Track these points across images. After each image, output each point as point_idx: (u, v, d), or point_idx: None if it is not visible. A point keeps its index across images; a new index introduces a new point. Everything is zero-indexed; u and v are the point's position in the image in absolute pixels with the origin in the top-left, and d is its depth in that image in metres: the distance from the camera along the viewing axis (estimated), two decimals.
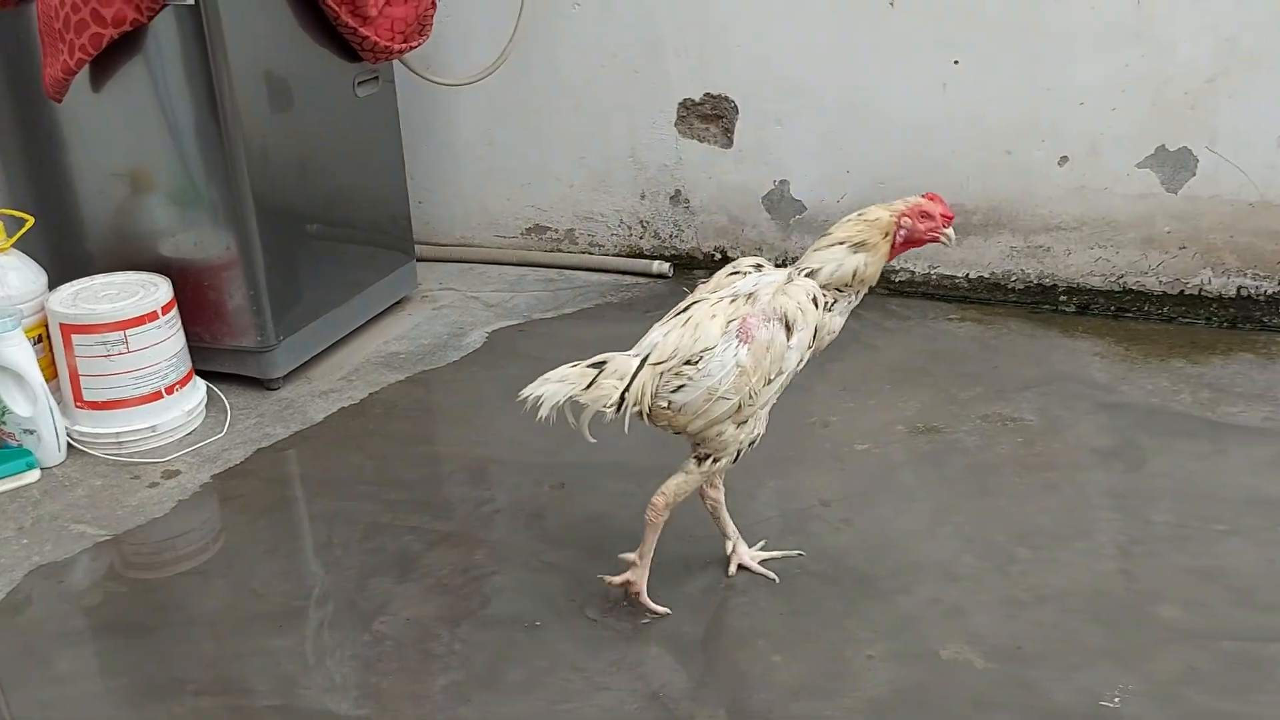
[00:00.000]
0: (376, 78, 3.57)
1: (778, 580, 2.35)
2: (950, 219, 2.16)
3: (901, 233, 2.16)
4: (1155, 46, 3.29)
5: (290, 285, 3.29)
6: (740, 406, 2.12)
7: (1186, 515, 2.51)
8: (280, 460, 2.97)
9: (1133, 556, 2.38)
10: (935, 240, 2.16)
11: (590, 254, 4.27)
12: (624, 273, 4.17)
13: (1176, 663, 2.07)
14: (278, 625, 2.31)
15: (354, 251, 3.61)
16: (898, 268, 3.86)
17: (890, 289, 3.88)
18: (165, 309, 3.03)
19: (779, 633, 2.20)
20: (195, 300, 3.20)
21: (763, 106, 3.82)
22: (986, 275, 3.76)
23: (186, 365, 3.14)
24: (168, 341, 3.04)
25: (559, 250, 4.32)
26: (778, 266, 2.30)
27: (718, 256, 4.10)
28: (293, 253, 3.30)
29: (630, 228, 4.19)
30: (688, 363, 2.10)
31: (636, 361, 2.14)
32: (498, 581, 2.42)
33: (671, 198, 4.07)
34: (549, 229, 4.31)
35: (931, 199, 2.16)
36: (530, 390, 2.08)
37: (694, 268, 4.15)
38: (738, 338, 2.10)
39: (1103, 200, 3.51)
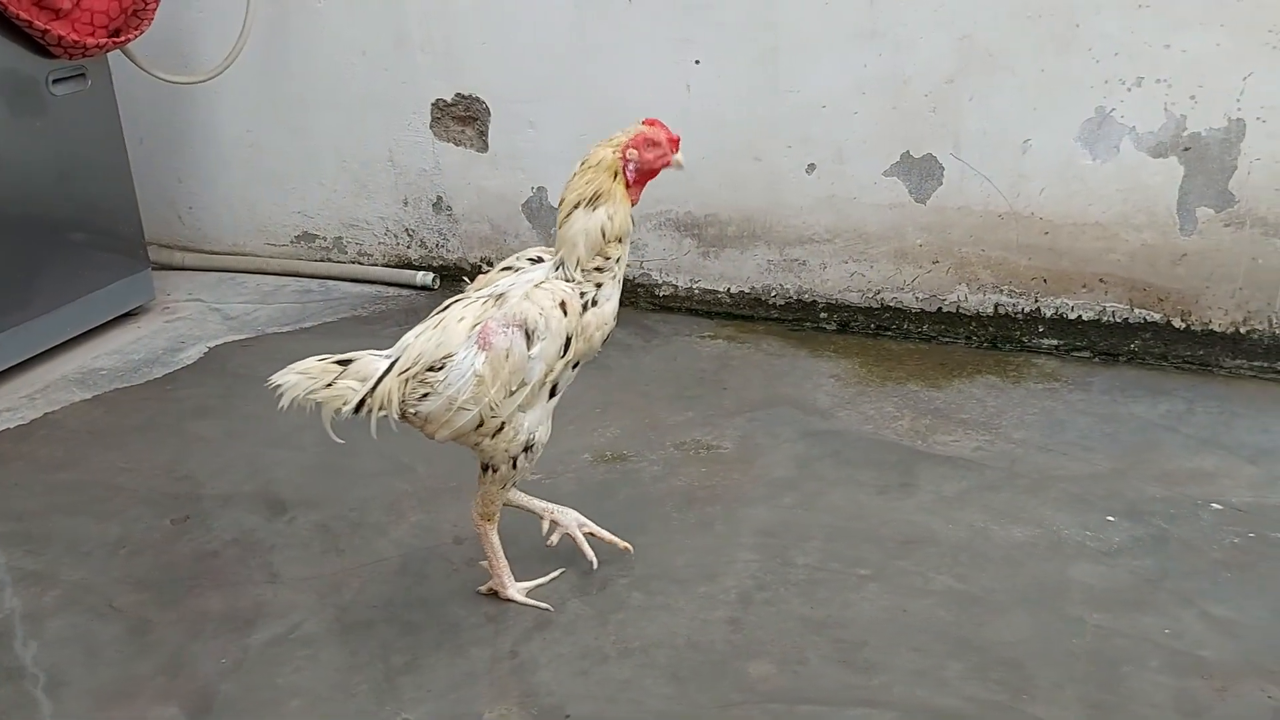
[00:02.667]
0: (83, 74, 3.35)
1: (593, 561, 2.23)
2: (677, 142, 1.97)
3: (630, 167, 1.95)
4: (892, 45, 3.07)
5: None
6: (482, 420, 1.94)
7: (831, 557, 2.28)
8: None
9: (751, 604, 2.15)
10: (667, 166, 1.97)
11: (359, 263, 4.05)
12: (388, 284, 3.95)
13: None
14: None
15: (59, 260, 3.37)
16: (661, 281, 3.64)
17: (655, 303, 3.66)
18: None
19: (320, 691, 1.97)
20: None
21: (514, 108, 3.60)
22: (747, 290, 3.53)
23: None
24: None
25: (328, 259, 4.09)
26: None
27: (484, 268, 3.86)
28: None
29: (397, 236, 3.96)
30: (431, 369, 1.93)
31: (385, 364, 1.98)
32: (50, 628, 2.18)
33: (434, 204, 3.85)
34: (317, 236, 4.08)
35: (652, 124, 1.97)
36: (276, 378, 1.96)
37: (461, 278, 3.90)
38: (477, 344, 1.91)
39: (853, 210, 3.28)
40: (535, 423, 2.01)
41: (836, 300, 3.42)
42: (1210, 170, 2.86)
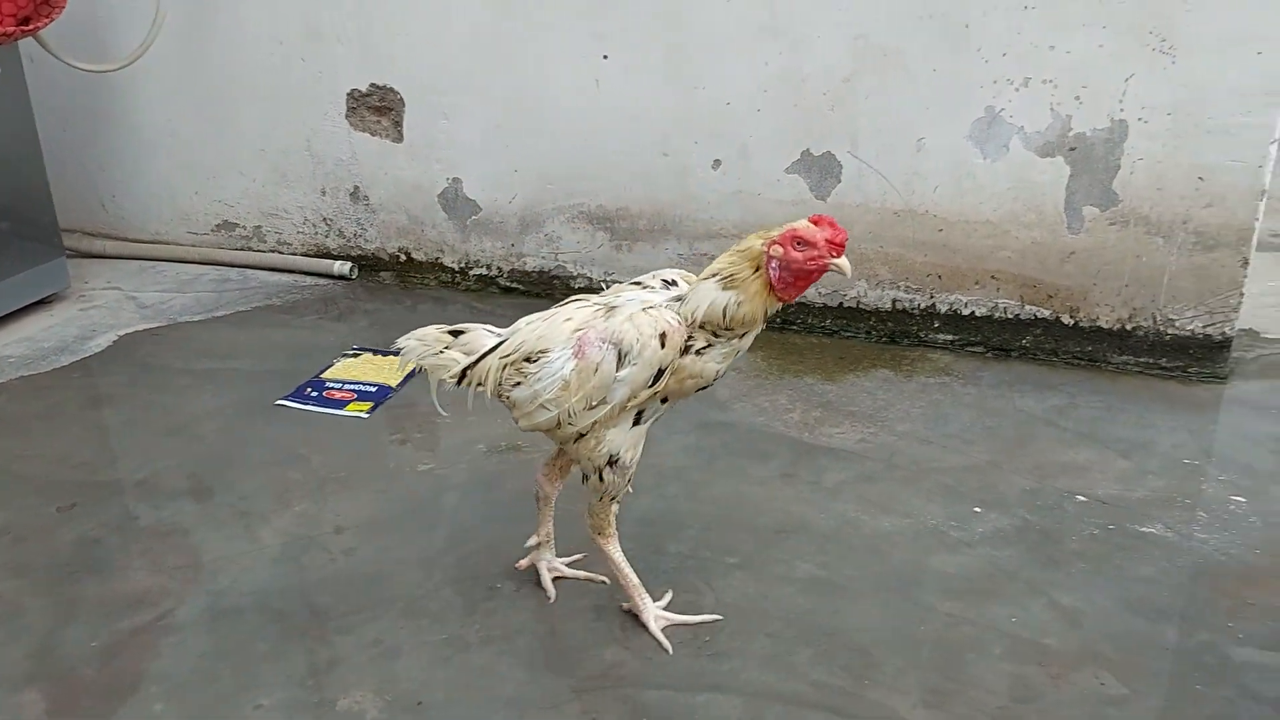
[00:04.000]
0: None
1: (551, 597, 2.20)
2: (839, 246, 1.78)
3: (774, 265, 1.79)
4: (792, 43, 3.11)
5: None
6: (560, 423, 1.94)
7: (704, 545, 2.34)
8: None
9: (617, 592, 2.19)
10: (822, 270, 1.79)
11: (279, 252, 4.06)
12: (306, 273, 3.97)
13: (575, 715, 1.89)
14: None
15: None
16: (575, 273, 3.67)
17: (570, 295, 3.68)
18: None
19: (181, 677, 2.00)
20: None
21: (429, 100, 3.62)
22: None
23: None
24: None
25: (248, 248, 4.10)
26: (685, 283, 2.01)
27: (402, 258, 3.90)
28: None
29: (315, 225, 3.98)
30: (528, 359, 1.94)
31: (492, 341, 2.02)
32: None
33: (351, 194, 3.86)
34: (237, 225, 4.09)
35: (816, 222, 1.79)
36: (400, 341, 2.08)
37: (379, 269, 3.94)
38: (573, 350, 1.90)
39: (759, 206, 3.33)
40: (620, 442, 1.96)
41: None
42: (1095, 170, 2.93)
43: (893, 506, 2.48)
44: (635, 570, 2.10)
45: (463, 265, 3.81)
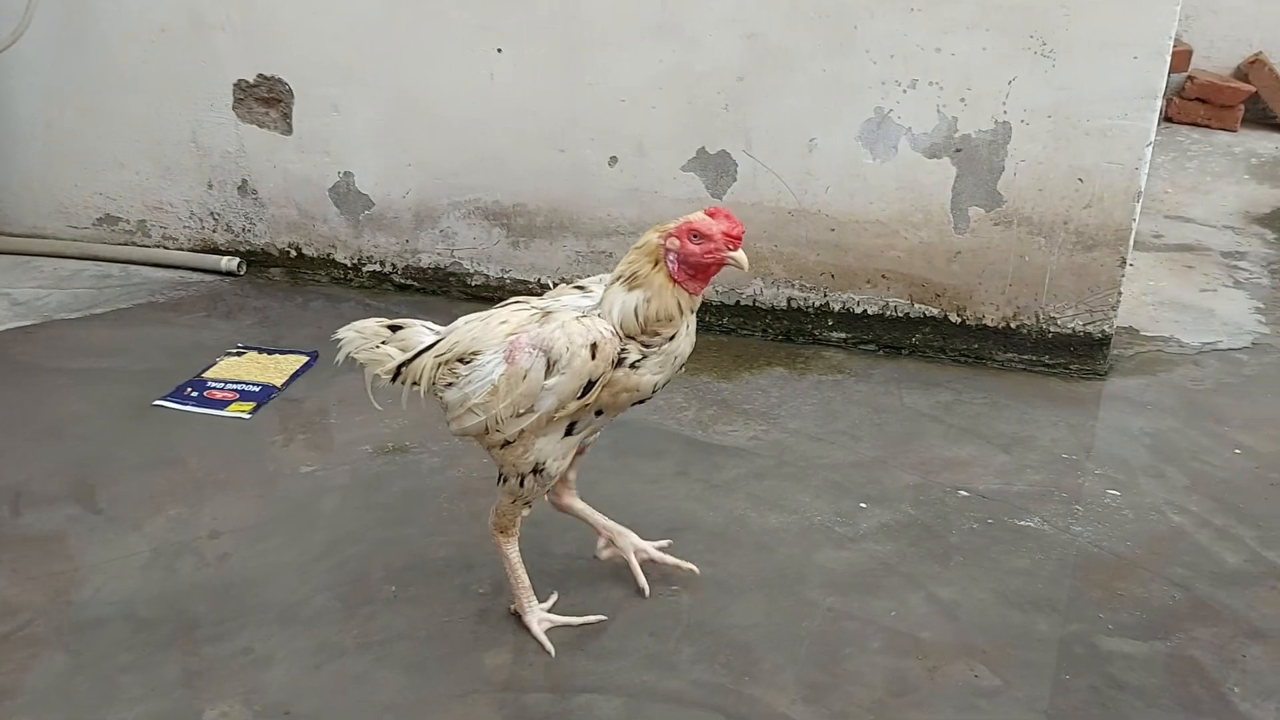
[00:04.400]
0: None
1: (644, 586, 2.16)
2: (736, 239, 1.76)
3: (671, 258, 1.77)
4: (685, 41, 3.11)
5: None
6: (488, 429, 1.87)
7: (590, 545, 2.29)
8: None
9: (502, 594, 2.15)
10: (720, 264, 1.77)
11: (164, 248, 3.92)
12: (192, 269, 3.83)
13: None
14: None
15: None
16: (472, 270, 3.62)
17: (467, 293, 3.64)
18: None
19: (36, 692, 1.91)
20: None
21: (318, 91, 3.53)
22: (556, 281, 3.54)
23: None
24: None
25: (132, 243, 3.95)
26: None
27: (293, 254, 3.79)
28: None
29: (202, 220, 3.84)
30: (461, 360, 1.89)
31: (429, 338, 1.96)
32: None
33: (239, 188, 3.75)
34: (120, 220, 3.93)
35: (712, 214, 1.78)
36: (340, 332, 2.07)
37: (269, 265, 3.83)
38: (504, 354, 1.84)
39: (656, 204, 3.32)
40: (548, 451, 1.91)
41: None
42: (979, 171, 2.99)
43: (781, 503, 2.49)
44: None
45: (356, 261, 3.73)
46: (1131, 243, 2.98)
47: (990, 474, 2.62)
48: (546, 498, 2.17)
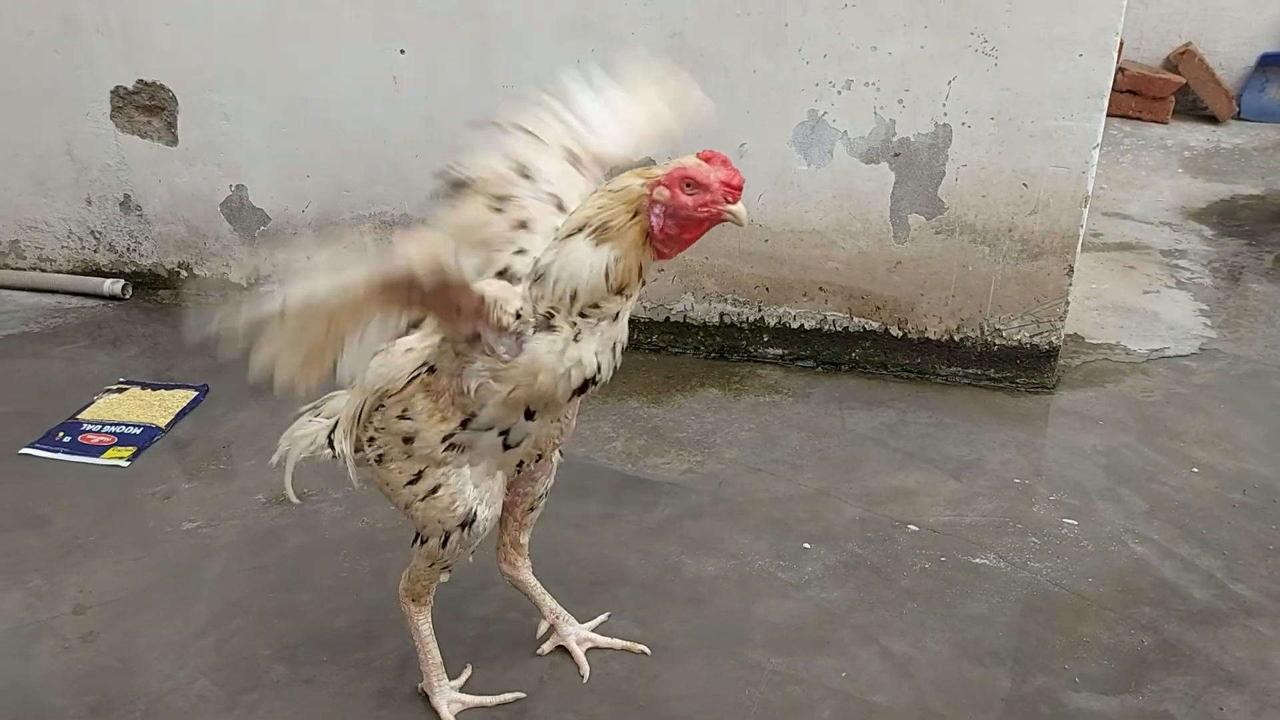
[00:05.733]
0: None
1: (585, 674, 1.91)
2: (736, 190, 1.45)
3: (658, 210, 1.44)
4: (605, 40, 2.87)
5: None
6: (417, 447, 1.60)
7: (511, 606, 2.07)
8: None
9: (410, 669, 1.91)
10: (715, 219, 1.46)
11: (41, 270, 3.58)
12: (72, 293, 3.50)
13: None
14: None
15: None
16: None
17: None
18: None
19: None
20: None
21: (205, 98, 3.22)
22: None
23: None
24: None
25: (5, 266, 3.60)
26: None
27: (183, 274, 3.48)
28: None
29: (82, 239, 3.52)
30: (379, 407, 1.63)
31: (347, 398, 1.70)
32: None
33: (121, 203, 3.43)
34: None
35: (707, 159, 1.46)
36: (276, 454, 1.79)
37: (158, 287, 3.51)
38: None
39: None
40: (477, 494, 1.64)
41: None
42: (920, 176, 2.81)
43: (718, 546, 2.29)
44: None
45: (252, 281, 3.43)
46: (1079, 250, 2.82)
47: (939, 504, 2.44)
48: (500, 567, 1.93)
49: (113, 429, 2.68)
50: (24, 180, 3.47)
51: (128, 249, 3.49)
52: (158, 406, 2.80)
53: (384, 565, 2.21)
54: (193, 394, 2.86)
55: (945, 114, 2.74)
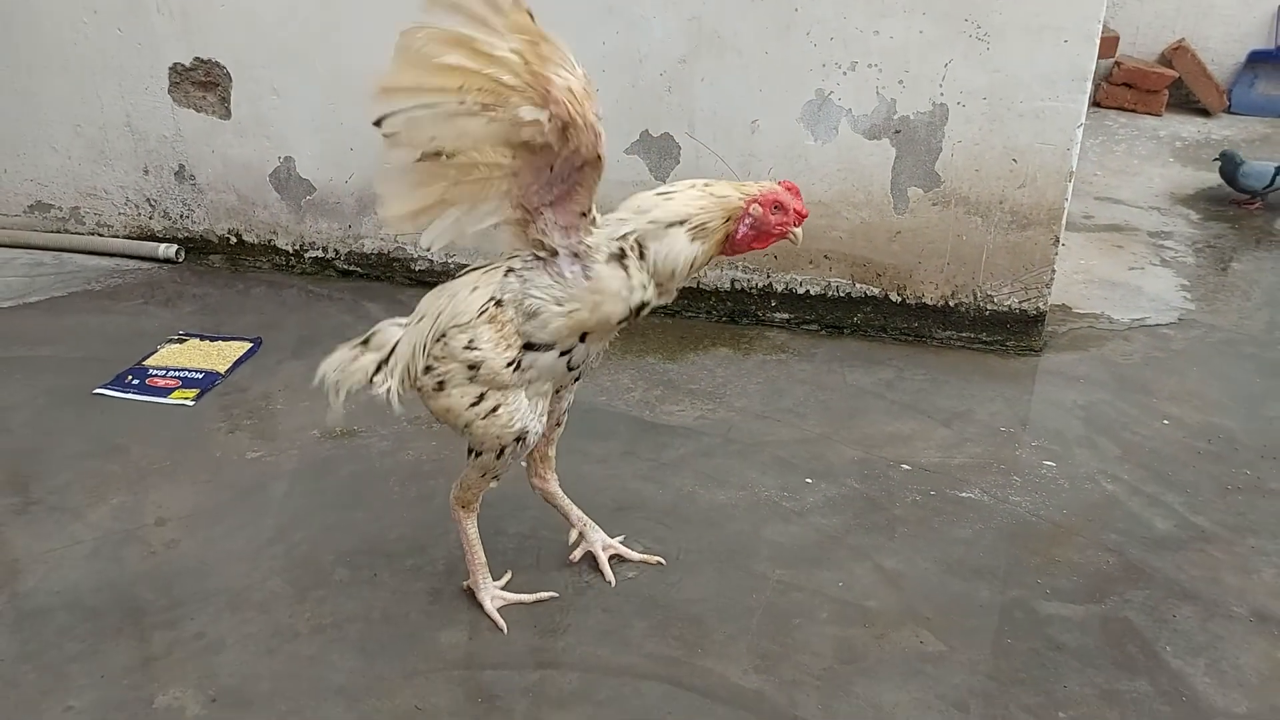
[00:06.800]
0: None
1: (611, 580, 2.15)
2: (803, 216, 1.82)
3: (748, 222, 1.80)
4: (628, 23, 3.12)
5: None
6: (490, 376, 1.81)
7: (542, 525, 2.32)
8: None
9: (455, 574, 2.17)
10: (782, 236, 1.82)
11: (99, 235, 3.84)
12: (129, 256, 3.76)
13: (409, 700, 1.86)
14: None
15: None
16: (416, 255, 3.60)
17: (411, 278, 3.62)
18: None
19: None
20: None
21: (257, 74, 3.48)
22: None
23: None
24: None
25: (65, 230, 3.86)
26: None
27: (233, 240, 3.74)
28: None
29: (138, 206, 3.77)
30: (439, 339, 1.82)
31: (399, 334, 1.90)
32: None
33: (176, 173, 3.68)
34: (52, 206, 3.84)
35: (789, 188, 1.81)
36: (319, 375, 1.92)
37: (209, 252, 3.77)
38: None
39: (600, 188, 3.32)
40: (529, 413, 1.88)
41: None
42: (918, 152, 3.05)
43: (729, 480, 2.53)
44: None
45: (297, 247, 3.69)
46: (1064, 221, 3.06)
47: (931, 448, 2.68)
48: (531, 482, 2.17)
49: (177, 373, 2.94)
50: (85, 150, 3.73)
51: (181, 216, 3.75)
52: (216, 355, 3.05)
53: (429, 491, 2.46)
54: (248, 345, 3.11)
55: (942, 94, 2.98)
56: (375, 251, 3.62)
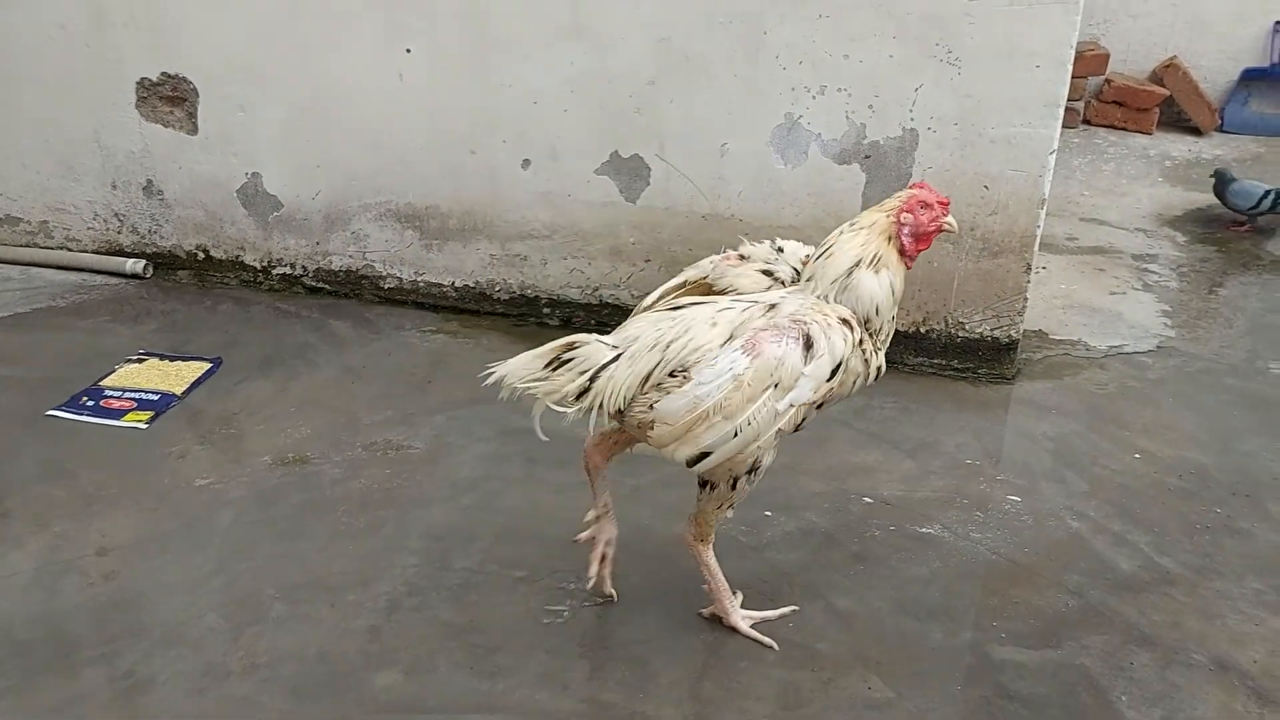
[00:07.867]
0: None
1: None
2: (947, 205, 1.89)
3: (905, 230, 1.87)
4: (596, 44, 3.08)
5: None
6: (737, 433, 1.79)
7: (491, 559, 2.29)
8: None
9: (398, 611, 2.12)
10: (940, 230, 1.89)
11: (68, 249, 3.80)
12: (96, 271, 3.72)
13: None
14: None
15: None
16: (385, 273, 3.56)
17: (380, 296, 3.58)
18: None
19: None
20: None
21: (224, 90, 3.44)
22: (471, 284, 3.50)
23: None
24: None
25: (34, 245, 3.83)
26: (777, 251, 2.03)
27: (200, 256, 3.70)
28: None
29: (106, 221, 3.74)
30: (672, 374, 1.82)
31: (609, 354, 1.85)
32: None
33: (144, 188, 3.65)
34: (20, 220, 3.81)
35: (921, 186, 1.90)
36: (495, 370, 1.87)
37: (177, 268, 3.73)
38: (743, 348, 1.80)
39: (570, 207, 3.29)
40: (765, 447, 1.87)
41: (558, 296, 3.43)
42: (888, 177, 3.00)
43: (687, 512, 2.48)
44: (416, 584, 2.05)
45: (265, 264, 3.65)
46: (1036, 249, 3.01)
47: (895, 480, 2.63)
48: (589, 452, 2.13)
49: (133, 395, 2.90)
50: (54, 165, 3.69)
51: (149, 231, 3.71)
52: (174, 376, 3.01)
53: (378, 521, 2.42)
54: (207, 365, 3.07)
55: (912, 119, 2.93)
56: (343, 269, 3.58)
